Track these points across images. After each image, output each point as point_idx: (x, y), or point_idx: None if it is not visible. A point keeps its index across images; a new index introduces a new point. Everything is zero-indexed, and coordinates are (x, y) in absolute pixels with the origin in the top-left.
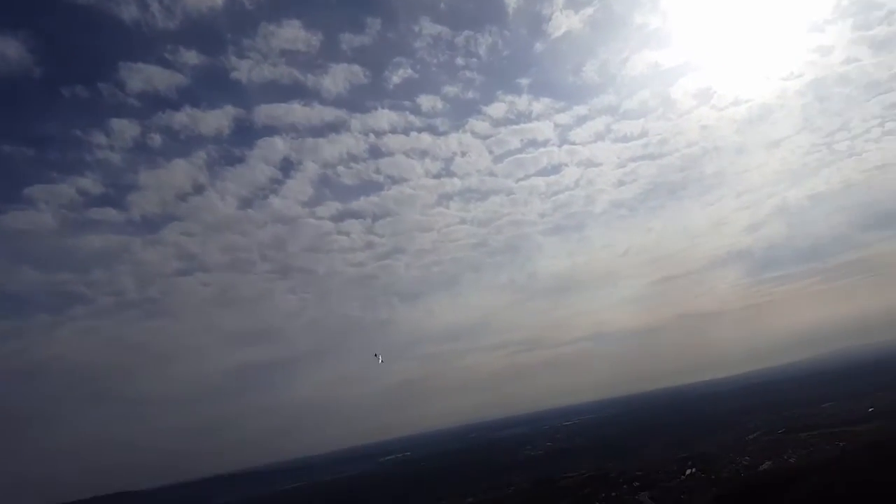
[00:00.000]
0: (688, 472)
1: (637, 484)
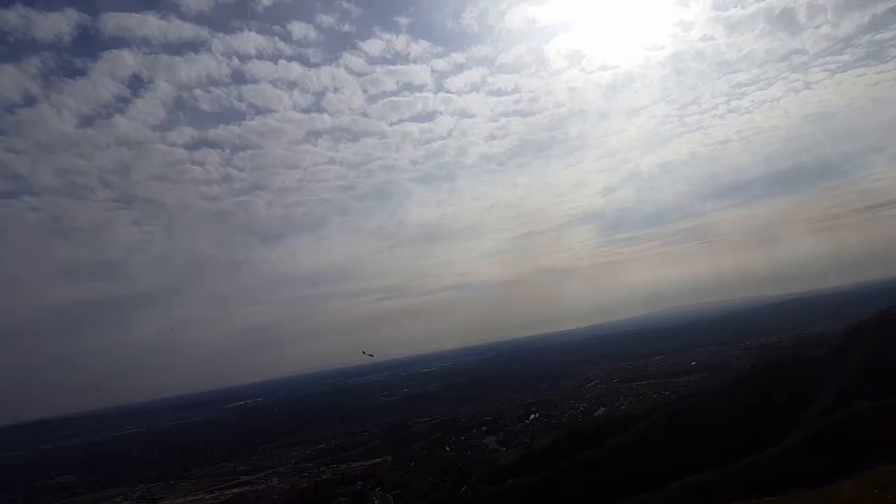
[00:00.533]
0: (532, 416)
1: (485, 428)
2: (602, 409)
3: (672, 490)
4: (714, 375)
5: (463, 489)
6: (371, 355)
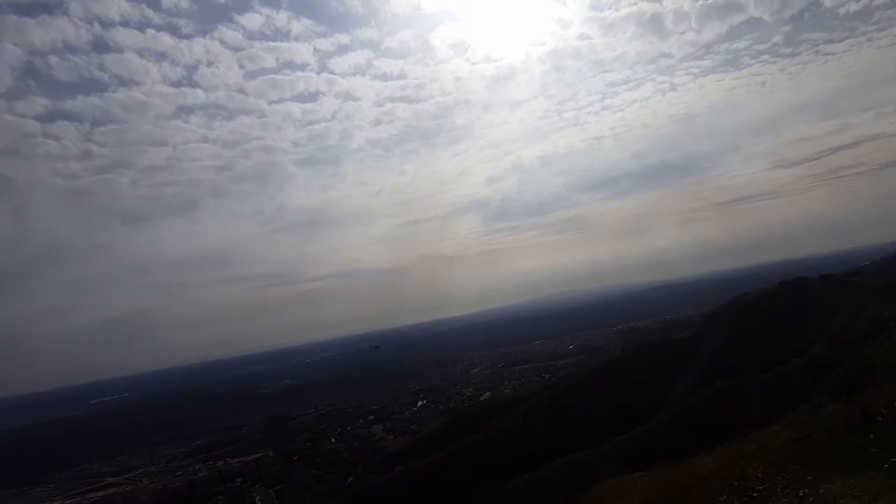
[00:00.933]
0: (419, 403)
1: (372, 417)
2: (487, 393)
3: (553, 469)
4: (590, 358)
5: (349, 480)
6: (377, 347)
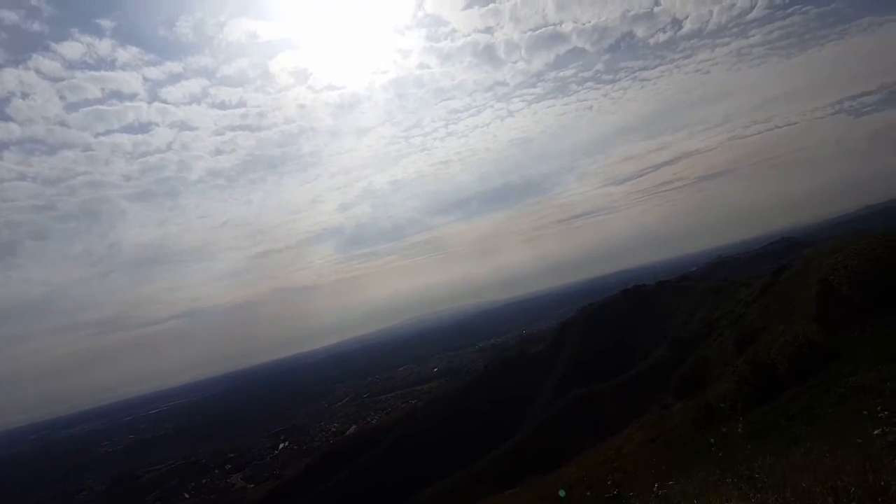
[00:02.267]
0: (281, 446)
1: (229, 466)
2: (354, 426)
3: (424, 498)
4: (454, 379)
5: None
6: None
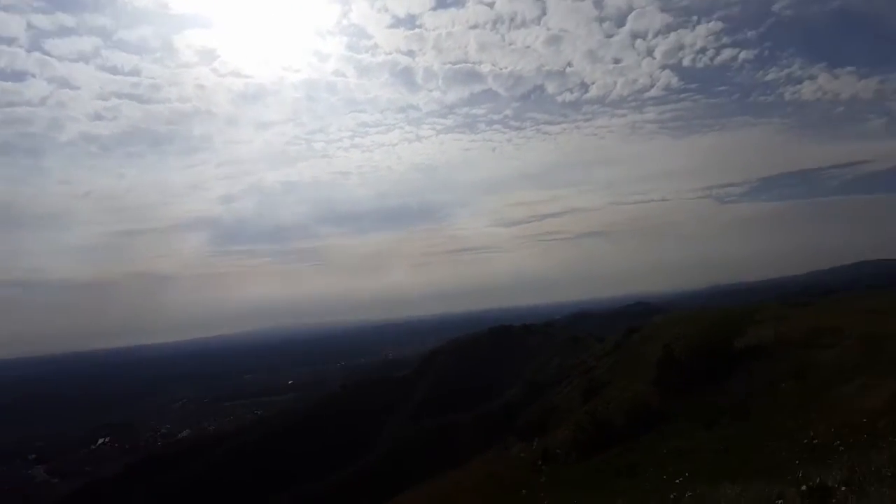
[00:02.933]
0: (100, 441)
1: (34, 456)
2: (188, 430)
3: None
4: (309, 395)
5: None
6: None
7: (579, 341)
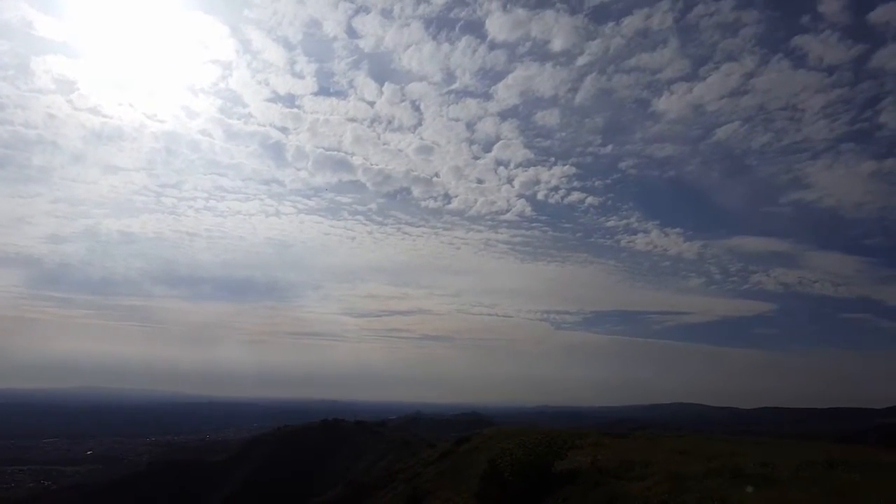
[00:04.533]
0: None
1: None
2: None
3: None
4: (108, 469)
5: None
6: None
7: (409, 445)
